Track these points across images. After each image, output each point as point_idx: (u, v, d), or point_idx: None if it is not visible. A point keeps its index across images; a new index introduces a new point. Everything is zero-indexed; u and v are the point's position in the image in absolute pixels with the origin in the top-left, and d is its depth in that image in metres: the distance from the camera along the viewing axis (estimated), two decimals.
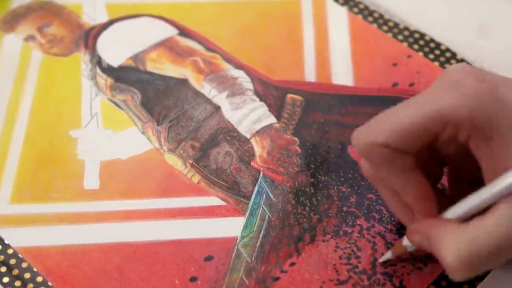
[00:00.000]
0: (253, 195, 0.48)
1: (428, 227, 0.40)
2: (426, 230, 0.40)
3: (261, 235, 0.46)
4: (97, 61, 0.56)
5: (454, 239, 0.38)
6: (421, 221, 0.41)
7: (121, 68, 0.56)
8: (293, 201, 0.48)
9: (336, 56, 0.56)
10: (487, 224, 0.37)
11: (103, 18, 0.59)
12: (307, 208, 0.48)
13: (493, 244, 0.37)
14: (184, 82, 0.55)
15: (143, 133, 0.52)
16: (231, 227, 0.47)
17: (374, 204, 0.48)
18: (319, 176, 0.49)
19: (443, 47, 0.56)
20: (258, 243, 0.46)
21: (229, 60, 0.56)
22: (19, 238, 0.47)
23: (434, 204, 0.41)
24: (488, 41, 0.58)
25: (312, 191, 0.48)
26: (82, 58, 0.57)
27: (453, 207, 0.40)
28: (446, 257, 0.38)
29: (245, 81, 0.55)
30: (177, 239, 0.46)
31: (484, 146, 0.38)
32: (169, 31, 0.58)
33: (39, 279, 0.45)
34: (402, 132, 0.39)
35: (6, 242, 0.46)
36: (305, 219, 0.47)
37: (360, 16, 0.59)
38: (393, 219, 0.47)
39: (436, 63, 0.55)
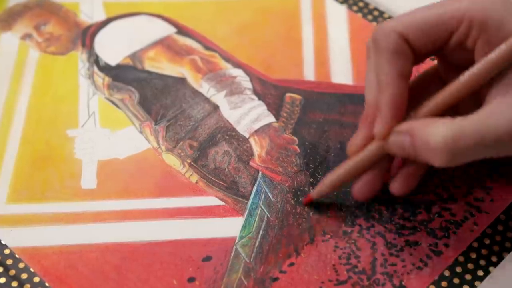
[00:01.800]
0: (252, 195, 0.48)
1: (415, 123, 0.41)
2: (411, 126, 0.41)
3: (259, 235, 0.46)
4: (95, 60, 0.56)
5: (441, 126, 0.40)
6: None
7: (119, 67, 0.56)
8: (292, 201, 0.48)
9: (336, 55, 0.56)
10: (476, 116, 0.39)
11: (100, 17, 0.59)
12: (306, 208, 0.47)
13: (480, 130, 0.39)
14: (182, 81, 0.55)
15: (141, 132, 0.52)
16: (229, 227, 0.47)
17: (374, 204, 0.47)
18: (319, 176, 0.49)
19: None
20: (257, 243, 0.46)
21: (227, 58, 0.56)
22: (16, 238, 0.46)
23: (401, 117, 0.42)
24: None
25: (312, 190, 0.48)
26: (80, 56, 0.57)
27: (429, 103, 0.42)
28: (430, 141, 0.39)
29: (243, 80, 0.55)
30: (175, 239, 0.46)
31: (489, 50, 0.41)
32: (167, 30, 0.58)
33: (36, 279, 0.45)
34: (420, 25, 0.42)
35: (2, 242, 0.46)
36: (304, 219, 0.47)
37: (359, 14, 0.59)
38: (393, 218, 0.47)
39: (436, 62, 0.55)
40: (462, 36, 0.42)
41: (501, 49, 0.40)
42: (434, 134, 0.39)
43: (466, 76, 0.41)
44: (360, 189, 0.45)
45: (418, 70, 0.47)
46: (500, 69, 0.40)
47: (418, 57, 0.43)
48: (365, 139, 0.44)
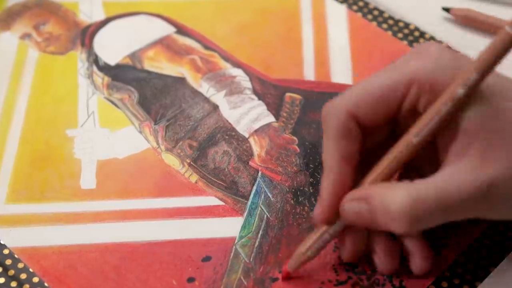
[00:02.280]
0: (252, 195, 0.48)
1: (371, 189, 0.40)
2: (368, 192, 0.40)
3: (259, 235, 0.46)
4: (94, 60, 0.56)
5: (400, 191, 0.39)
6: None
7: (118, 66, 0.56)
8: (292, 201, 0.48)
9: (336, 55, 0.56)
10: (435, 180, 0.38)
11: (100, 16, 0.59)
12: (306, 208, 0.47)
13: (441, 195, 0.38)
14: (181, 80, 0.55)
15: (140, 132, 0.52)
16: (229, 227, 0.47)
17: None
18: (318, 176, 0.49)
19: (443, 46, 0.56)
20: (257, 244, 0.46)
21: (227, 58, 0.56)
22: (15, 239, 0.46)
23: (339, 200, 0.41)
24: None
25: (311, 190, 0.48)
26: (79, 56, 0.56)
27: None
28: (390, 207, 0.38)
29: (243, 79, 0.55)
30: (175, 239, 0.46)
31: None
32: (167, 29, 0.58)
33: (35, 279, 0.45)
34: (368, 100, 0.41)
35: (1, 242, 0.46)
36: (304, 219, 0.47)
37: (359, 14, 0.59)
38: None
39: None
40: (413, 100, 0.40)
41: (443, 99, 0.39)
42: (393, 201, 0.38)
43: (410, 135, 0.40)
44: (348, 255, 0.43)
45: None
46: (442, 123, 0.39)
47: (370, 129, 0.42)
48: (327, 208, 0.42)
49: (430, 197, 0.38)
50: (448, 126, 0.39)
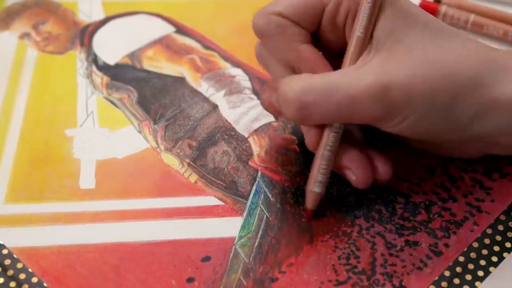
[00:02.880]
0: (251, 195, 0.48)
1: (281, 80, 0.43)
2: (277, 81, 0.43)
3: (259, 235, 0.46)
4: (93, 59, 0.56)
5: (296, 78, 0.41)
6: None
7: (117, 66, 0.56)
8: (292, 201, 0.48)
9: None
10: (330, 74, 0.41)
11: (99, 16, 0.59)
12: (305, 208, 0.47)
13: (330, 85, 0.40)
14: (181, 80, 0.55)
15: (139, 132, 0.52)
16: (228, 227, 0.46)
17: (374, 203, 0.47)
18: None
19: None
20: (256, 244, 0.46)
21: (226, 58, 0.56)
22: (14, 238, 0.46)
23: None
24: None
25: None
26: (78, 56, 0.56)
27: None
28: (286, 91, 0.41)
29: (243, 79, 0.54)
30: (174, 239, 0.46)
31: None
32: (166, 29, 0.58)
33: (34, 279, 0.44)
34: (295, 3, 0.43)
35: (0, 242, 0.46)
36: (303, 219, 0.47)
37: None
38: (393, 218, 0.47)
39: None
40: (332, 12, 0.43)
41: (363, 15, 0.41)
42: (290, 86, 0.41)
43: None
44: (359, 176, 0.45)
45: None
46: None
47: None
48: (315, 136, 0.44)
49: (320, 86, 0.40)
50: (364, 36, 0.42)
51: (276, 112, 0.45)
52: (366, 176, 0.44)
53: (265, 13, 0.44)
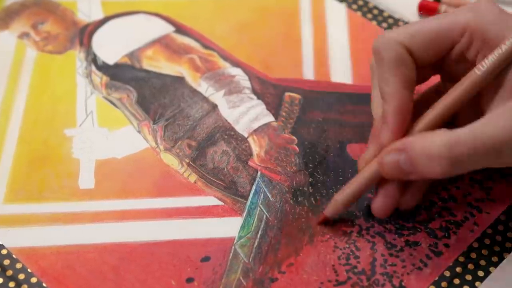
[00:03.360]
0: (251, 195, 0.48)
1: (409, 139, 0.41)
2: (405, 142, 0.41)
3: (258, 236, 0.46)
4: (92, 59, 0.56)
5: (438, 135, 0.40)
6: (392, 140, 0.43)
7: (117, 65, 0.55)
8: (291, 201, 0.47)
9: (335, 54, 0.56)
10: (473, 125, 0.39)
11: (98, 15, 0.59)
12: (305, 207, 0.47)
13: (480, 136, 0.39)
14: (180, 80, 0.55)
15: (139, 131, 0.52)
16: (228, 227, 0.46)
17: None
18: (318, 176, 0.49)
19: None
20: (256, 244, 0.46)
21: (226, 57, 0.56)
22: (13, 239, 0.46)
23: (405, 126, 0.43)
24: None
25: (311, 190, 0.48)
26: (77, 55, 0.56)
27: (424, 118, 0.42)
28: (430, 150, 0.39)
29: (242, 79, 0.54)
30: (174, 240, 0.46)
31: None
32: (165, 28, 0.58)
33: (34, 280, 0.44)
34: (423, 36, 0.43)
35: (0, 242, 0.46)
36: (303, 219, 0.47)
37: (359, 13, 0.58)
38: (392, 218, 0.46)
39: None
40: (463, 47, 0.42)
41: (494, 56, 0.41)
42: (432, 143, 0.39)
43: (457, 88, 0.42)
44: (379, 205, 0.44)
45: (419, 89, 0.47)
46: (491, 78, 0.41)
47: (419, 69, 0.43)
48: (374, 155, 0.44)
49: (469, 138, 0.39)
50: (494, 78, 0.41)
51: (402, 175, 0.42)
52: (384, 209, 0.44)
53: (389, 39, 0.43)
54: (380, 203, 0.44)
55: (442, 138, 0.39)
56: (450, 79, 0.44)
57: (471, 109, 0.43)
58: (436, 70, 0.45)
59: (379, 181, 0.44)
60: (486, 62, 0.41)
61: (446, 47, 0.43)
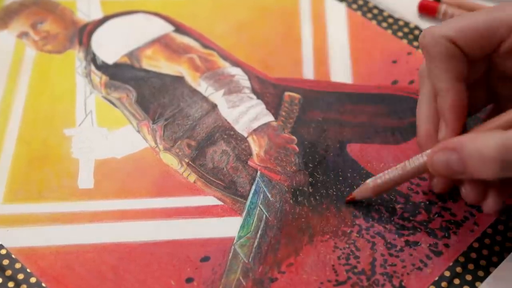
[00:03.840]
0: (250, 195, 0.48)
1: (461, 138, 0.40)
2: (458, 141, 0.40)
3: (258, 235, 0.46)
4: (92, 58, 0.56)
5: (493, 135, 0.39)
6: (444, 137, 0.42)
7: (116, 65, 0.55)
8: (291, 201, 0.47)
9: (335, 53, 0.56)
10: None
11: (97, 15, 0.59)
12: (305, 207, 0.47)
13: None
14: (180, 79, 0.54)
15: (138, 131, 0.52)
16: (228, 227, 0.46)
17: (373, 203, 0.47)
18: (317, 175, 0.49)
19: None
20: (256, 244, 0.45)
21: (226, 57, 0.56)
22: (12, 239, 0.46)
23: (463, 121, 0.42)
24: None
25: (310, 190, 0.48)
26: (77, 55, 0.56)
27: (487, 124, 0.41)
28: (483, 150, 0.38)
29: (242, 78, 0.54)
30: (173, 240, 0.46)
31: None
32: (165, 28, 0.58)
33: (33, 280, 0.44)
34: (470, 31, 0.42)
35: None
36: (303, 219, 0.47)
37: (359, 13, 0.58)
38: (393, 218, 0.46)
39: None
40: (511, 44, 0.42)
41: None
42: (485, 145, 0.38)
43: None
44: (439, 186, 0.45)
45: None
46: None
47: (469, 63, 0.43)
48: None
49: None
50: None
51: (452, 174, 0.41)
52: (478, 198, 0.43)
53: (436, 35, 0.42)
54: (439, 182, 0.45)
55: (496, 141, 0.38)
56: (498, 73, 0.44)
57: None
58: (483, 66, 0.44)
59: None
60: None
61: (494, 43, 0.42)
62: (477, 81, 0.44)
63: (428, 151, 0.43)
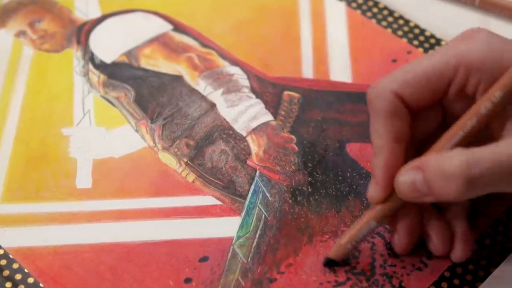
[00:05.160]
0: (249, 194, 0.48)
1: (425, 158, 0.40)
2: (421, 160, 0.40)
3: (257, 235, 0.46)
4: (90, 57, 0.56)
5: (456, 153, 0.38)
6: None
7: (114, 64, 0.55)
8: (290, 201, 0.47)
9: (334, 52, 0.56)
10: (492, 146, 0.38)
11: (95, 13, 0.59)
12: (304, 207, 0.47)
13: (497, 157, 0.37)
14: (178, 78, 0.54)
15: (136, 131, 0.52)
16: (226, 227, 0.46)
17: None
18: (317, 175, 0.48)
19: (443, 43, 0.56)
20: (254, 244, 0.45)
21: (224, 56, 0.55)
22: (10, 238, 0.46)
23: (390, 185, 0.41)
24: None
25: (310, 190, 0.48)
26: (74, 54, 0.56)
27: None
28: (446, 168, 0.38)
29: (241, 77, 0.54)
30: (172, 240, 0.46)
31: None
32: (163, 27, 0.58)
33: (31, 280, 0.44)
34: (415, 81, 0.41)
35: None
36: (302, 219, 0.46)
37: (358, 11, 0.58)
38: None
39: None
40: (461, 84, 0.41)
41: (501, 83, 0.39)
42: (449, 162, 0.38)
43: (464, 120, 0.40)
44: (402, 245, 0.44)
45: None
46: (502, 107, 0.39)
47: (416, 113, 0.42)
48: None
49: (486, 158, 0.37)
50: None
51: (419, 196, 0.40)
52: (445, 250, 0.43)
53: (381, 89, 0.41)
54: (399, 241, 0.43)
55: (459, 157, 0.38)
56: (452, 116, 0.42)
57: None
58: (437, 110, 0.43)
59: (395, 218, 0.43)
60: (495, 96, 0.39)
61: (441, 87, 0.41)
62: (434, 130, 0.43)
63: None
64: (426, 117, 0.43)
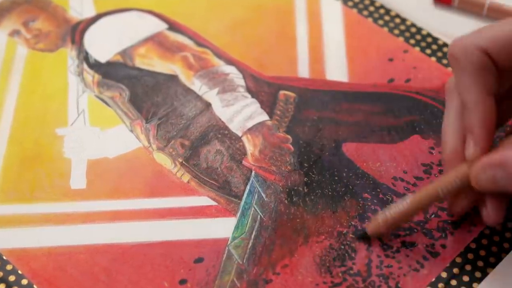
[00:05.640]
0: (245, 195, 0.47)
1: (507, 153, 0.39)
2: (504, 156, 0.39)
3: (253, 236, 0.46)
4: (84, 57, 0.55)
5: None
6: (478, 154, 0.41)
7: (109, 64, 0.55)
8: (286, 201, 0.47)
9: (331, 51, 0.56)
10: None
11: (90, 13, 0.59)
12: (300, 208, 0.47)
13: None
14: (173, 78, 0.54)
15: (131, 131, 0.51)
16: (222, 227, 0.46)
17: (369, 204, 0.47)
18: (313, 175, 0.48)
19: (440, 42, 0.56)
20: (250, 245, 0.45)
21: (220, 55, 0.55)
22: (4, 240, 0.46)
23: (492, 138, 0.41)
24: None
25: (306, 190, 0.47)
26: (69, 53, 0.56)
27: None
28: None
29: (236, 77, 0.54)
30: (166, 240, 0.46)
31: None
32: (158, 26, 0.57)
33: (24, 281, 0.44)
34: (504, 41, 0.40)
35: None
36: (298, 220, 0.46)
37: (355, 10, 0.58)
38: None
39: (433, 58, 0.55)
40: None
41: None
42: None
43: None
44: (459, 209, 0.44)
45: None
46: None
47: (500, 72, 0.41)
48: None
49: None
50: None
51: (499, 189, 0.40)
52: (499, 219, 0.43)
53: (467, 45, 0.41)
54: (460, 206, 0.44)
55: None
56: None
57: None
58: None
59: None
60: None
61: None
62: (505, 92, 0.43)
63: (460, 169, 0.42)
64: (505, 77, 0.42)
